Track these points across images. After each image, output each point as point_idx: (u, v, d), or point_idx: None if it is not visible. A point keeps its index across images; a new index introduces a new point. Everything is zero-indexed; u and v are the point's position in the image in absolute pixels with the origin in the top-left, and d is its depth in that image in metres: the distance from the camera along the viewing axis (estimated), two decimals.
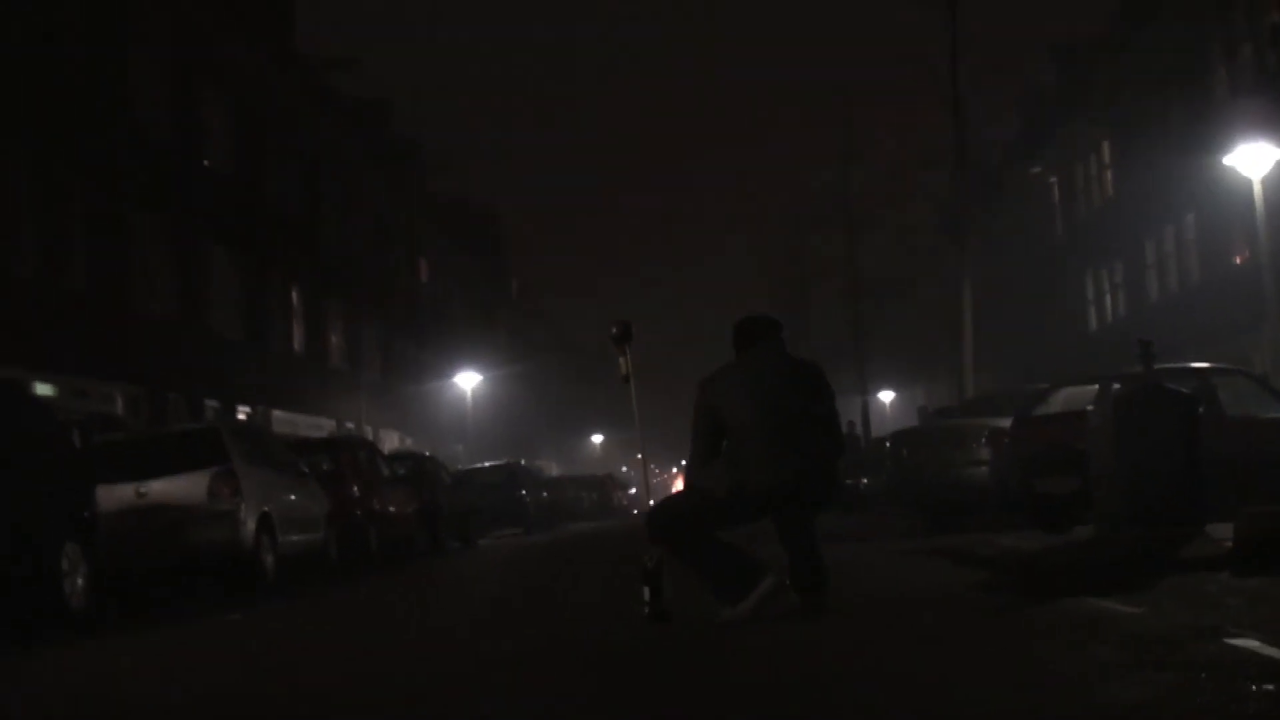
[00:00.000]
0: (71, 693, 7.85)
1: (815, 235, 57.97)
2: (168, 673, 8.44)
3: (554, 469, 70.06)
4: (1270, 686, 4.78)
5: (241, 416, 33.15)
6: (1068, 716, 4.61)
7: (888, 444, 25.22)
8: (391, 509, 22.69)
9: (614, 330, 8.50)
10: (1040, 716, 4.66)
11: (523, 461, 44.12)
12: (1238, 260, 33.08)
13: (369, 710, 5.96)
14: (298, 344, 39.49)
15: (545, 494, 42.09)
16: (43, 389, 23.32)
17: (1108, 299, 44.90)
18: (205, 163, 32.98)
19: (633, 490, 69.72)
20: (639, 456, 8.86)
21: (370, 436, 38.70)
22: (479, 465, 40.38)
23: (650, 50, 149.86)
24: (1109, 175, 43.86)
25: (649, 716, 5.39)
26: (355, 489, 21.12)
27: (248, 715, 6.14)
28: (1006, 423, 16.82)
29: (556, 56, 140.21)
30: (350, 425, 41.03)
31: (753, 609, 7.78)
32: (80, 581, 12.50)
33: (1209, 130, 31.03)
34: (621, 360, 8.50)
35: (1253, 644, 5.72)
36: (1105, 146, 43.70)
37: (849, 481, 30.78)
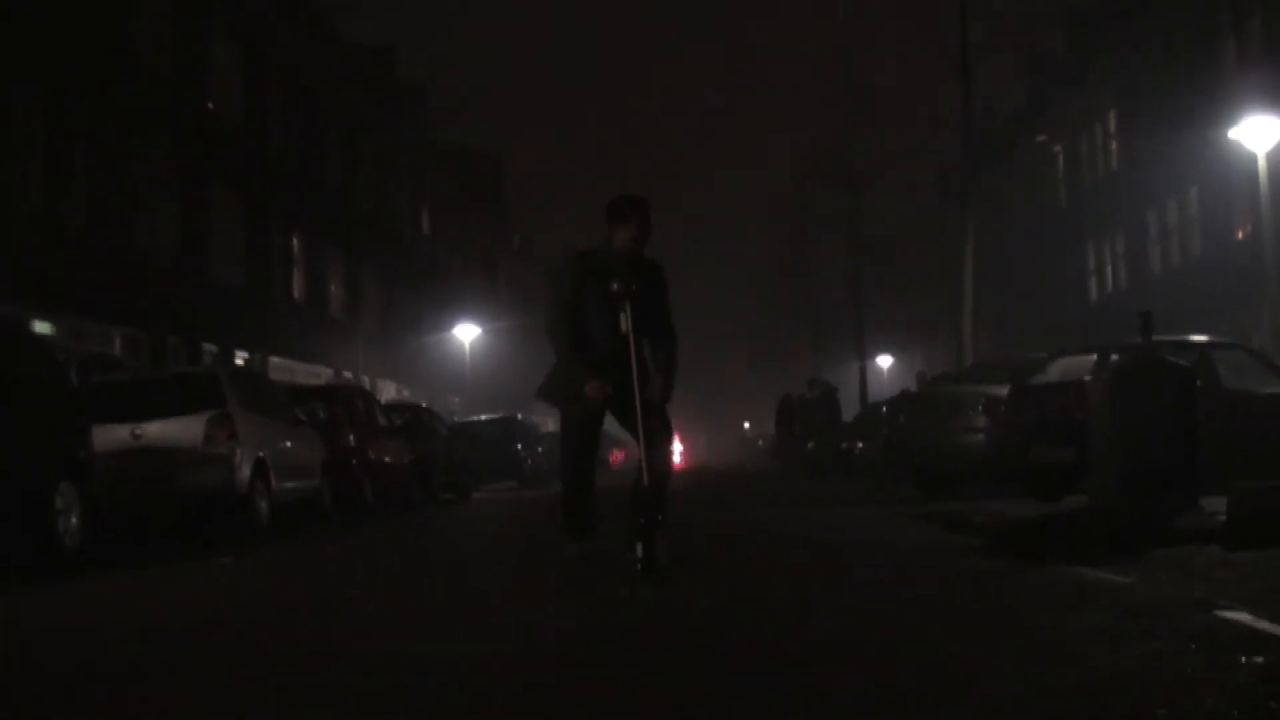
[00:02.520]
0: (57, 629, 7.85)
1: (818, 188, 57.50)
2: (155, 612, 8.44)
3: (550, 424, 69.85)
4: (1260, 659, 4.79)
5: (239, 362, 33.13)
6: (1055, 682, 4.61)
7: (884, 409, 25.23)
8: (387, 459, 22.68)
9: (613, 287, 8.46)
10: (1027, 681, 4.66)
11: (519, 416, 44.07)
12: (1239, 235, 33.04)
13: (354, 652, 5.96)
14: (298, 291, 39.43)
15: (540, 448, 42.05)
16: (41, 327, 23.30)
17: (1109, 269, 44.85)
18: (210, 105, 32.85)
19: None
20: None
21: (368, 386, 38.70)
22: (475, 418, 40.35)
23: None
24: (1114, 145, 43.73)
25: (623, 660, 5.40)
26: (351, 438, 21.09)
27: (232, 653, 6.15)
28: (1004, 391, 16.80)
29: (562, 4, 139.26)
30: (348, 374, 41.02)
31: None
32: (74, 521, 12.50)
33: (1215, 103, 30.93)
34: (621, 316, 8.46)
35: (1243, 617, 5.73)
36: (1111, 116, 43.56)
37: (844, 445, 30.77)
